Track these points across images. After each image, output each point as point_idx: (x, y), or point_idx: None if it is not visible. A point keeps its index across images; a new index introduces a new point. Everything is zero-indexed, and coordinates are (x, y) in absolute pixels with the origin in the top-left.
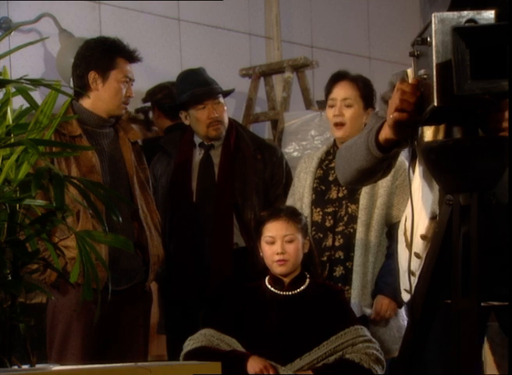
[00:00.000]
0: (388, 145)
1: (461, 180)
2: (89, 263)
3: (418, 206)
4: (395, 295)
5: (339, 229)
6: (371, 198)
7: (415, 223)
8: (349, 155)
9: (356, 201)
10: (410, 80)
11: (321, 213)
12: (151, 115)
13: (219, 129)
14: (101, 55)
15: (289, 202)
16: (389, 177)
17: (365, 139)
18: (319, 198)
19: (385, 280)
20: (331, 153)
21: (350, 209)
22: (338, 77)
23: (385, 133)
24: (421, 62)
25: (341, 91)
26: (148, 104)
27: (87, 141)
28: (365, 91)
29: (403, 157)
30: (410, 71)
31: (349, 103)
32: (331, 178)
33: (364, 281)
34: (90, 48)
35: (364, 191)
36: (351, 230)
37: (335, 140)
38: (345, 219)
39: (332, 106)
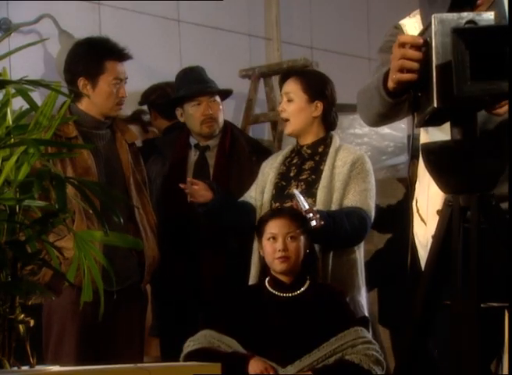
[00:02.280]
0: (397, 91)
1: (461, 182)
2: (89, 264)
3: (433, 183)
4: None
5: None
6: (329, 192)
7: (431, 199)
8: (366, 100)
9: (313, 195)
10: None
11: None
12: (147, 117)
13: (212, 126)
14: (89, 60)
15: (247, 196)
16: (345, 170)
17: (376, 85)
18: (279, 193)
19: None
20: (295, 150)
21: None
22: (286, 76)
23: (390, 84)
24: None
25: (285, 87)
26: (145, 107)
27: (82, 142)
28: (309, 84)
29: (363, 152)
30: (403, 23)
31: (290, 97)
32: (292, 174)
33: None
34: (77, 54)
35: (322, 185)
36: None
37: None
38: None
39: (281, 103)
